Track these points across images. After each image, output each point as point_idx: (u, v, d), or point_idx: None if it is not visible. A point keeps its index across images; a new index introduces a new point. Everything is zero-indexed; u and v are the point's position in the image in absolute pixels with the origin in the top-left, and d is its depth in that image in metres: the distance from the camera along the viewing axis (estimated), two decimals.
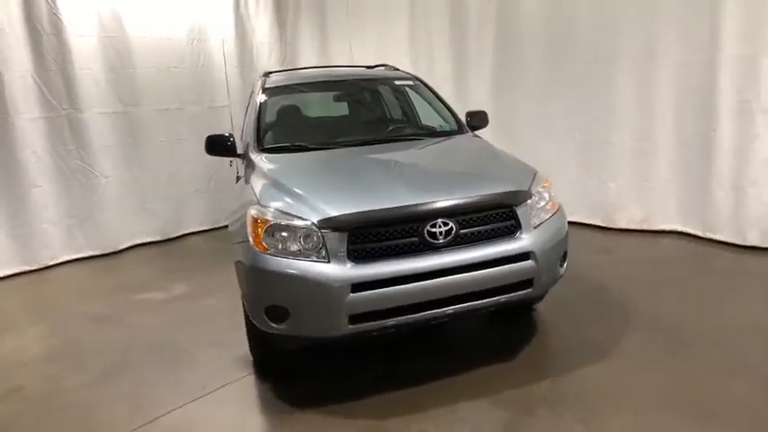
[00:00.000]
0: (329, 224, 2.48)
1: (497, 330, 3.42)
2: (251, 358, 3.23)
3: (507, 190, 2.74)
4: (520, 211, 2.71)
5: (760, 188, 4.10)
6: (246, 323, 2.90)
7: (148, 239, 6.01)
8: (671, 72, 4.44)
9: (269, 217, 2.59)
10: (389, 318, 2.51)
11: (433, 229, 2.53)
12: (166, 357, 3.41)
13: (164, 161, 6.03)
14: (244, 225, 2.69)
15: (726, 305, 3.54)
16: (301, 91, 4.14)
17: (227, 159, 6.21)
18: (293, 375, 3.03)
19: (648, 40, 4.51)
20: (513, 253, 2.64)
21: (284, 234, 2.54)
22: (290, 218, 2.56)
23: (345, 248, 2.47)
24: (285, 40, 6.91)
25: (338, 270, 2.44)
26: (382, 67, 4.61)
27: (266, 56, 6.79)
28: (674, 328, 3.24)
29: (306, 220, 2.52)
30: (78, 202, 5.47)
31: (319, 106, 4.14)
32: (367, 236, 2.50)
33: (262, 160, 3.25)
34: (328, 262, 2.47)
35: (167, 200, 6.09)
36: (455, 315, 2.65)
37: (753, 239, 4.22)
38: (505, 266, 2.62)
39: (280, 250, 2.54)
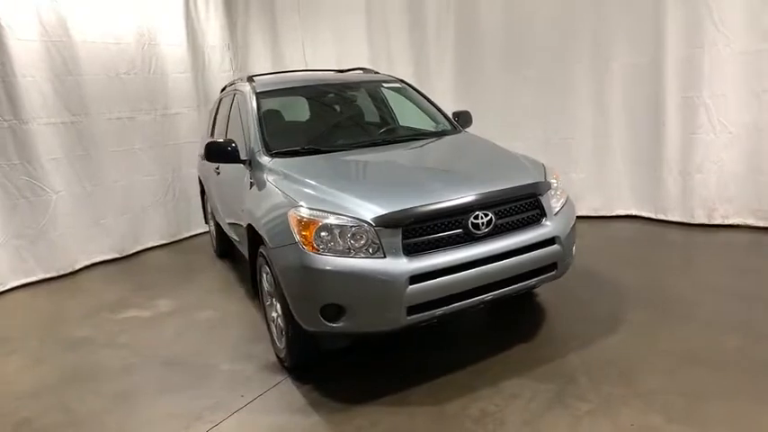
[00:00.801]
0: (384, 221, 2.55)
1: (506, 316, 3.62)
2: (278, 364, 3.21)
3: (533, 181, 2.97)
4: (543, 200, 2.95)
5: (704, 173, 4.69)
6: (286, 326, 2.88)
7: (105, 257, 5.65)
8: (622, 73, 4.96)
9: (317, 217, 2.61)
10: (441, 306, 2.63)
11: (476, 221, 2.69)
12: (184, 373, 3.28)
13: (117, 173, 5.70)
14: (285, 227, 2.69)
15: (692, 273, 4.03)
16: (295, 95, 4.14)
17: (186, 169, 6.12)
18: (329, 375, 3.04)
19: (601, 44, 4.99)
20: (543, 238, 2.86)
21: (335, 233, 2.58)
22: (341, 217, 2.60)
23: (400, 243, 2.56)
24: (236, 43, 6.77)
25: (397, 264, 2.53)
26: (360, 71, 4.70)
27: (218, 60, 6.61)
28: (660, 297, 3.63)
29: (358, 218, 2.58)
30: (27, 221, 5.04)
31: (314, 110, 4.15)
32: (419, 230, 2.61)
33: (278, 164, 3.23)
34: (384, 257, 2.55)
35: (123, 214, 5.77)
36: (493, 300, 2.82)
37: (699, 218, 4.81)
38: (536, 251, 2.84)
39: (329, 249, 2.57)
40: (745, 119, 4.43)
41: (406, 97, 4.32)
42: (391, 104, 4.46)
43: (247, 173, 3.48)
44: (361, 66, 4.90)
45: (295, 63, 6.96)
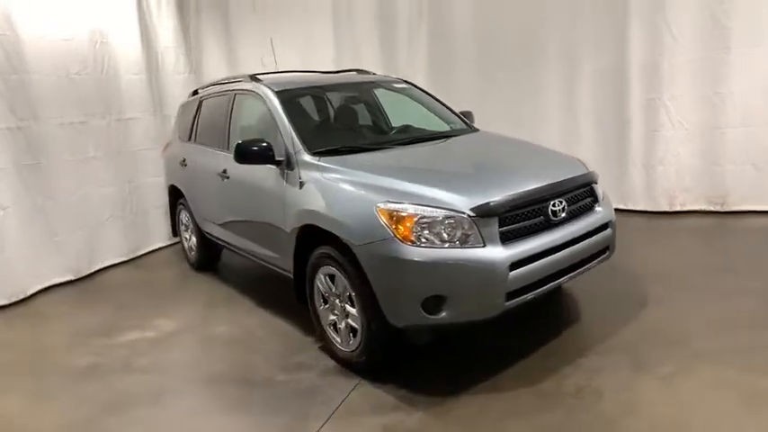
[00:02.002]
0: (483, 211, 2.59)
1: (542, 303, 3.60)
2: (340, 368, 3.09)
3: (590, 171, 3.18)
4: (595, 188, 3.19)
5: (665, 166, 5.30)
6: (367, 324, 2.78)
7: (60, 279, 4.98)
8: (591, 77, 5.44)
9: (410, 211, 2.59)
10: (534, 290, 2.72)
11: (554, 208, 2.83)
12: (238, 390, 3.02)
13: (71, 184, 5.07)
14: (375, 222, 2.63)
15: (677, 253, 4.49)
16: (313, 94, 4.01)
17: (144, 178, 5.62)
18: (405, 372, 2.97)
19: (569, 49, 5.44)
20: (601, 223, 3.08)
21: (430, 225, 2.57)
22: (435, 209, 2.59)
23: (497, 232, 2.62)
24: (189, 44, 6.37)
25: (497, 252, 2.57)
26: (354, 72, 4.68)
27: (172, 61, 6.16)
28: (663, 275, 3.97)
29: (454, 209, 2.59)
30: None
31: (335, 110, 4.04)
32: (511, 218, 2.68)
33: (332, 162, 3.13)
34: (484, 246, 2.59)
35: (78, 230, 5.14)
36: (566, 282, 2.98)
37: (662, 206, 5.40)
38: (597, 235, 3.05)
39: (427, 241, 2.57)
40: (699, 118, 5.07)
41: (412, 97, 4.36)
42: (393, 105, 4.48)
43: (284, 174, 3.32)
44: (355, 68, 4.89)
45: (250, 65, 6.70)
